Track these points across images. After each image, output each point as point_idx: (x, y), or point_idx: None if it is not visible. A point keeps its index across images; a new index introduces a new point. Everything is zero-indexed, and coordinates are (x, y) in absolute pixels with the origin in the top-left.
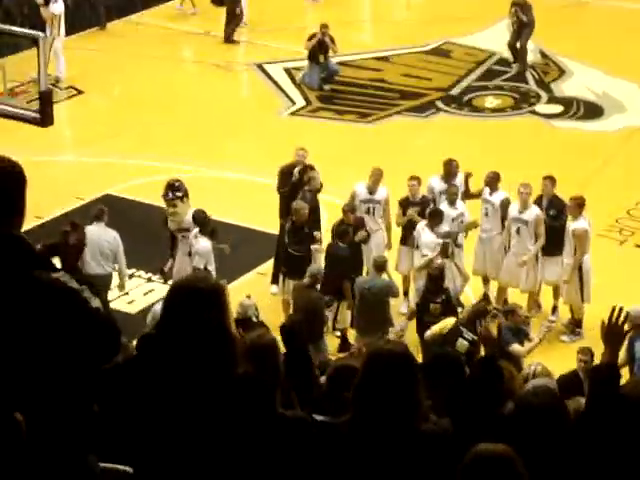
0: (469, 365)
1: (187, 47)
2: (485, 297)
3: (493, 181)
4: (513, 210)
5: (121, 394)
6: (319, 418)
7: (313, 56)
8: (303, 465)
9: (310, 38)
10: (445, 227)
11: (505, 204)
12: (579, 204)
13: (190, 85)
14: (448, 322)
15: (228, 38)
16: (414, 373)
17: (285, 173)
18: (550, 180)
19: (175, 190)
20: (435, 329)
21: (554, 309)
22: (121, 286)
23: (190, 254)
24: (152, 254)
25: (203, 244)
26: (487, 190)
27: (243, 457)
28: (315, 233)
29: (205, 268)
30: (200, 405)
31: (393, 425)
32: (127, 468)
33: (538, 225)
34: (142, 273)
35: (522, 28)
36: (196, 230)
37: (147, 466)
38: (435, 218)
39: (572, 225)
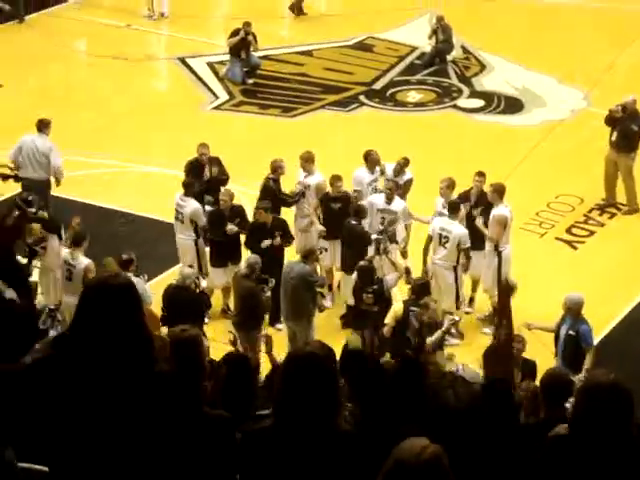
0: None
1: (108, 40)
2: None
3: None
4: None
5: (35, 394)
6: (265, 412)
7: (235, 51)
8: (225, 463)
9: (233, 35)
10: (376, 219)
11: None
12: (499, 191)
13: (111, 79)
14: (396, 308)
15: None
16: (333, 374)
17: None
18: (481, 175)
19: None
20: (389, 321)
21: (471, 300)
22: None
23: None
24: None
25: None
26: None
27: (162, 456)
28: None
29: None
30: (116, 403)
31: (313, 425)
32: (43, 468)
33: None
34: None
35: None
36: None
37: (63, 466)
38: (359, 213)
39: (492, 212)
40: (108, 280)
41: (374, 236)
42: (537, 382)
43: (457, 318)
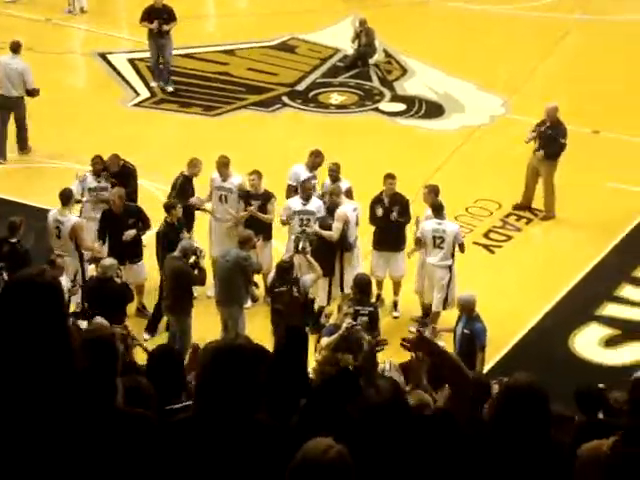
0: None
1: (28, 35)
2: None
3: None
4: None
5: None
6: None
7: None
8: (143, 461)
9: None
10: (296, 221)
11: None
12: (434, 191)
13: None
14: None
15: None
16: (252, 369)
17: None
18: (392, 178)
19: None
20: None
21: (395, 305)
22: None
23: None
24: None
25: None
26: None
27: (80, 454)
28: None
29: None
30: (35, 401)
31: (232, 417)
32: None
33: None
34: None
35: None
36: None
37: None
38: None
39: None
40: (33, 278)
41: (294, 235)
42: None
43: (354, 322)
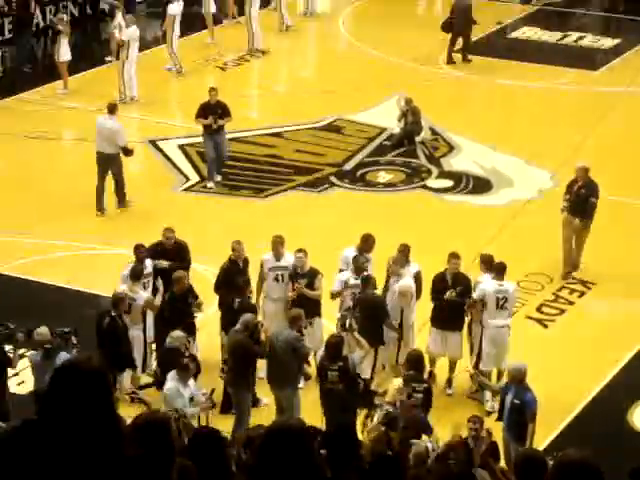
0: None
1: (80, 125)
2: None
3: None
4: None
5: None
6: None
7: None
8: None
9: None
10: (347, 293)
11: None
12: (488, 261)
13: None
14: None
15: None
16: (303, 447)
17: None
18: (456, 258)
19: None
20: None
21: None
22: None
23: None
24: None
25: None
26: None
27: None
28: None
29: None
30: None
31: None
32: None
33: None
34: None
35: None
36: None
37: None
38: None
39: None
40: (80, 365)
41: (339, 314)
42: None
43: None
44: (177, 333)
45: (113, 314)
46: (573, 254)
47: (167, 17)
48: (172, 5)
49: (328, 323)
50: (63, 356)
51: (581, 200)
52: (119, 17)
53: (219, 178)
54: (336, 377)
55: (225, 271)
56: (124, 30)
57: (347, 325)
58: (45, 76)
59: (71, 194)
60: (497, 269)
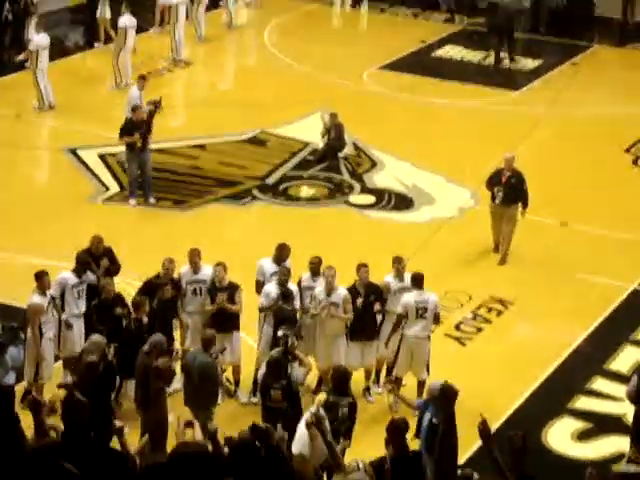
0: None
1: None
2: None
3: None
4: (320, 294)
5: None
6: None
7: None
8: None
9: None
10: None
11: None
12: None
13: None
14: (320, 398)
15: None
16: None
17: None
18: (365, 266)
19: None
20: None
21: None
22: None
23: None
24: None
25: None
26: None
27: None
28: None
29: None
30: None
31: None
32: None
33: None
34: None
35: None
36: None
37: None
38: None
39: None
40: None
41: (280, 332)
42: None
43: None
44: (96, 337)
45: (132, 317)
46: (501, 245)
47: (118, 30)
48: (122, 18)
49: (246, 336)
50: (12, 351)
51: (515, 189)
52: (32, 24)
53: (153, 200)
54: (279, 395)
55: (146, 284)
56: (33, 39)
57: (289, 344)
58: None
59: None
60: (414, 279)
